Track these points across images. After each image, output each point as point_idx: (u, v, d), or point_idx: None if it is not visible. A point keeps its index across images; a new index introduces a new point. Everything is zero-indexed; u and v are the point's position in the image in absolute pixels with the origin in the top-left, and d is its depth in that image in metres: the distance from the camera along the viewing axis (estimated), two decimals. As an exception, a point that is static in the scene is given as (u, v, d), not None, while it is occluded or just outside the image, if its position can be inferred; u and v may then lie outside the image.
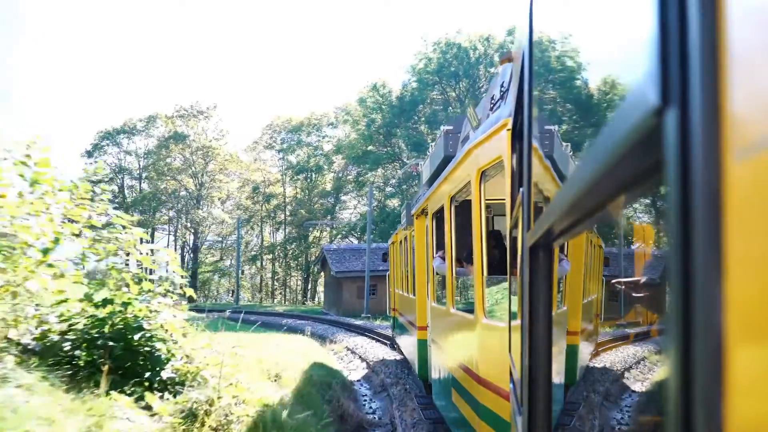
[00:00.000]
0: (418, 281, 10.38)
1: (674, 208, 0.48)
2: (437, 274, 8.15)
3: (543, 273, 1.91)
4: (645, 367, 1.14)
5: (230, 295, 72.66)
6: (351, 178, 61.60)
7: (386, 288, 19.22)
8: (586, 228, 1.65)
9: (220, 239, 69.98)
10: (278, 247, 67.72)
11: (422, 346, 10.31)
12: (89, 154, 69.03)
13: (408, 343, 12.86)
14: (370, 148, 50.56)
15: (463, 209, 6.49)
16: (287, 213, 62.58)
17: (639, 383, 1.24)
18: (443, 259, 7.39)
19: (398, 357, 17.69)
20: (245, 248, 69.84)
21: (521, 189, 2.39)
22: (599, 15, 1.18)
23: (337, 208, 65.26)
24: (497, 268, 5.91)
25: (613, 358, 1.58)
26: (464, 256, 6.85)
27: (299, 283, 70.58)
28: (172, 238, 71.28)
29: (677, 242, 0.47)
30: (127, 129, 69.73)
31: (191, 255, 68.55)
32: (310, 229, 61.16)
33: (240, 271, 65.11)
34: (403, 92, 49.86)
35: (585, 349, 2.02)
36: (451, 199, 6.82)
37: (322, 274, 51.98)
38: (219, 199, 67.72)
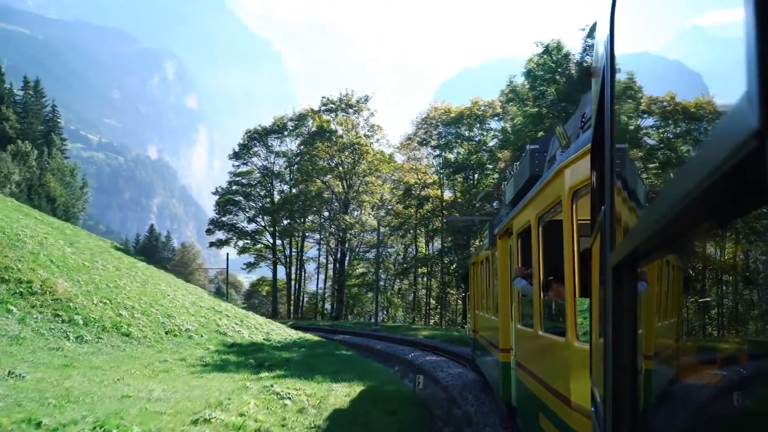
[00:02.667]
0: (501, 302, 10.35)
1: None
2: (523, 295, 8.05)
3: (627, 294, 1.91)
4: (730, 394, 1.13)
5: (385, 312, 64.76)
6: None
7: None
8: (675, 250, 1.63)
9: (367, 248, 61.97)
10: (433, 259, 58.16)
11: (505, 369, 10.09)
12: (236, 155, 65.20)
13: (490, 366, 12.62)
14: (540, 134, 39.53)
15: (552, 229, 6.37)
16: (443, 218, 52.73)
17: (722, 410, 1.25)
18: (530, 279, 7.27)
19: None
20: (396, 259, 61.60)
21: (603, 208, 2.39)
22: (690, 30, 1.18)
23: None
24: (589, 289, 4.82)
25: (693, 383, 1.53)
26: (553, 277, 6.47)
27: (459, 302, 60.35)
28: (324, 247, 65.00)
29: None
30: (276, 128, 65.01)
31: (337, 266, 61.62)
32: (471, 239, 50.89)
33: (383, 286, 56.99)
34: (585, 57, 38.30)
35: (661, 374, 1.87)
36: (538, 219, 6.74)
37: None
38: (369, 203, 59.97)
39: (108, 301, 22.01)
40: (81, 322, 19.40)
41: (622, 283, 1.89)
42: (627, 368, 1.89)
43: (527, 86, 42.53)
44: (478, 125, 55.41)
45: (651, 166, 1.69)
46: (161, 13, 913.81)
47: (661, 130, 1.61)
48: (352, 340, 35.38)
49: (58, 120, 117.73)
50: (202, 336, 23.60)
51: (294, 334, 31.31)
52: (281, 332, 30.56)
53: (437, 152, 57.18)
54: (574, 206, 5.45)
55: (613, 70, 2.08)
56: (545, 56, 39.96)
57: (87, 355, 17.13)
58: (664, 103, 1.49)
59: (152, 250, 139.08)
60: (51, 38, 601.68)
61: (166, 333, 22.29)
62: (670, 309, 1.78)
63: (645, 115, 1.79)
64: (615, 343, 1.95)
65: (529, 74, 41.39)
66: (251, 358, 20.48)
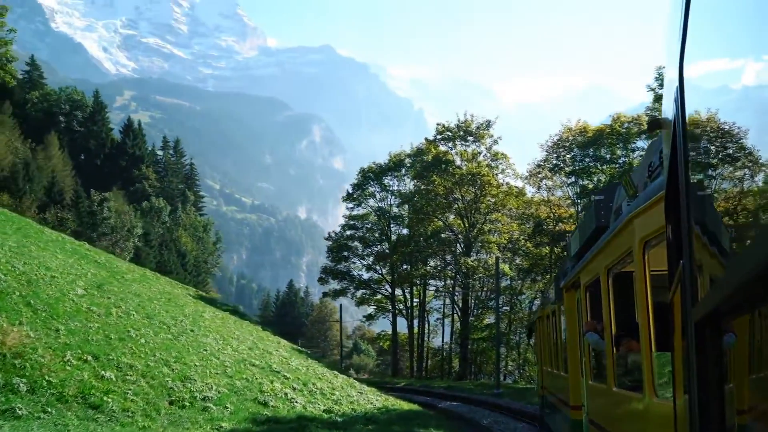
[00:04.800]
0: (570, 357, 10.16)
1: None
2: (594, 350, 7.90)
3: (712, 351, 1.91)
4: None
5: (520, 371, 55.56)
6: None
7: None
8: (763, 306, 1.59)
9: (494, 295, 53.21)
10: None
11: (576, 427, 9.86)
12: (350, 196, 59.86)
13: (560, 423, 12.39)
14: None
15: (622, 281, 6.35)
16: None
17: None
18: (601, 333, 7.14)
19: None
20: (529, 307, 52.44)
21: (681, 261, 2.37)
22: (761, 76, 1.21)
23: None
24: (665, 343, 5.10)
25: None
26: (626, 331, 6.27)
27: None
28: (446, 295, 57.34)
29: None
30: (392, 166, 59.12)
31: (459, 316, 53.50)
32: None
33: (514, 340, 48.14)
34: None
35: (757, 430, 1.80)
36: (608, 271, 6.62)
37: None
38: (496, 244, 51.56)
39: (92, 358, 16.19)
40: (23, 387, 13.55)
41: (706, 339, 1.86)
42: (715, 426, 1.85)
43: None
44: (621, 145, 45.99)
45: (732, 215, 1.63)
46: (310, 81, 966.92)
47: (741, 180, 1.56)
48: (461, 409, 27.60)
49: (196, 177, 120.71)
50: (227, 407, 17.10)
51: (379, 402, 24.15)
52: (360, 399, 23.53)
53: (572, 179, 48.02)
54: (645, 257, 5.29)
55: (684, 118, 2.10)
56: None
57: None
58: (743, 152, 1.48)
59: (291, 305, 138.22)
60: (209, 109, 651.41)
61: (171, 403, 16.03)
62: (765, 360, 1.66)
63: (721, 166, 1.76)
64: (701, 401, 1.92)
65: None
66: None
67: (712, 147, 1.90)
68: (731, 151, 1.64)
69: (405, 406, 25.23)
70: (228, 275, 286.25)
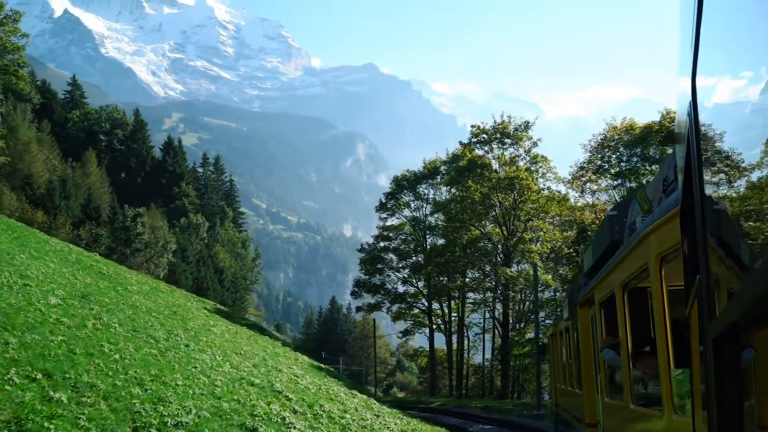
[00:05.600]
0: (585, 374, 10.22)
1: None
2: (609, 366, 7.84)
3: (730, 366, 1.91)
4: None
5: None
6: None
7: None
8: None
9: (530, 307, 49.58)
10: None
11: None
12: (383, 206, 57.20)
13: None
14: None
15: (637, 297, 6.39)
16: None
17: None
18: (617, 350, 7.04)
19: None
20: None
21: (698, 277, 2.37)
22: None
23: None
24: (682, 359, 5.20)
25: None
26: (643, 347, 6.33)
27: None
28: (485, 308, 54.00)
29: None
30: (427, 173, 56.26)
31: (500, 331, 49.97)
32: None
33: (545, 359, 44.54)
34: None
35: None
36: (623, 287, 6.56)
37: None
38: (537, 253, 47.96)
39: (44, 377, 13.86)
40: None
41: (725, 355, 1.86)
42: None
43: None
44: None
45: (749, 231, 1.65)
46: (354, 100, 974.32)
47: (760, 194, 1.59)
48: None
49: (236, 194, 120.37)
50: (204, 433, 14.54)
51: (397, 427, 21.27)
52: (375, 423, 20.67)
53: (618, 181, 44.24)
54: (662, 272, 5.23)
55: (697, 132, 2.12)
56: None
57: None
58: (754, 164, 1.52)
59: (334, 322, 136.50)
60: (255, 130, 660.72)
61: (134, 430, 13.55)
62: None
63: (738, 179, 1.78)
64: (721, 417, 1.92)
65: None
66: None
67: (727, 161, 1.88)
68: (746, 165, 1.65)
69: (431, 429, 22.34)
70: (275, 293, 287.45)
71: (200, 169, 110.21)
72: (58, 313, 17.65)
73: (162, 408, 14.82)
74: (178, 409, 15.13)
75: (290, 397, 19.77)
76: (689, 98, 2.28)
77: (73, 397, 13.66)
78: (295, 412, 18.45)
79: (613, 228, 8.65)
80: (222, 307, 49.64)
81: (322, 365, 40.10)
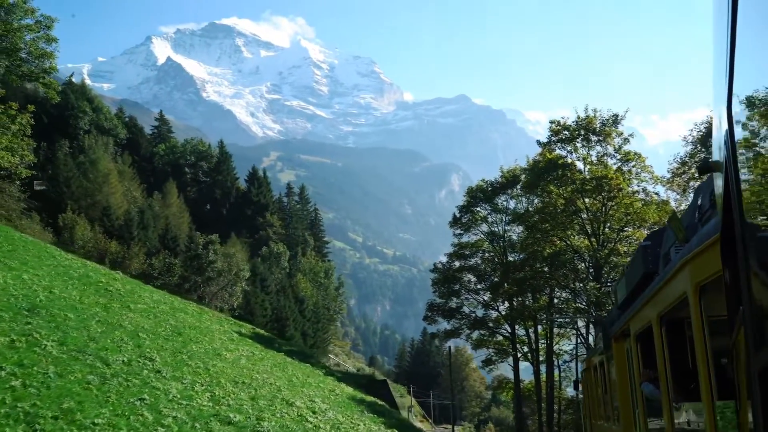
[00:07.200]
0: (622, 409, 9.90)
1: None
2: (648, 400, 7.73)
3: None
4: None
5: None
6: None
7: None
8: None
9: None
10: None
11: None
12: (456, 221, 52.06)
13: None
14: None
15: (675, 328, 6.21)
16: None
17: None
18: (656, 383, 6.90)
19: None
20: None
21: (741, 308, 2.33)
22: None
23: None
24: (726, 391, 4.79)
25: None
26: (682, 379, 6.18)
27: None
28: (575, 331, 47.50)
29: None
30: (505, 182, 50.83)
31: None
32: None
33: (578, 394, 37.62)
34: None
35: None
36: (660, 318, 6.45)
37: None
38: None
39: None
40: None
41: None
42: None
43: None
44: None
45: None
46: (447, 131, 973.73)
47: None
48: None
49: (320, 224, 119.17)
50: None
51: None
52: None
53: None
54: (702, 303, 5.02)
55: (735, 159, 2.11)
56: None
57: None
58: None
59: (426, 354, 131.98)
60: (349, 165, 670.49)
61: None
62: None
63: None
64: None
65: None
66: None
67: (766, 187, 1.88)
68: None
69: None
70: (372, 327, 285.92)
71: (285, 199, 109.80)
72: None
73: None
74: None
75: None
76: (726, 127, 2.25)
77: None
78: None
79: (647, 258, 8.37)
80: (262, 332, 45.69)
81: (367, 397, 34.99)
